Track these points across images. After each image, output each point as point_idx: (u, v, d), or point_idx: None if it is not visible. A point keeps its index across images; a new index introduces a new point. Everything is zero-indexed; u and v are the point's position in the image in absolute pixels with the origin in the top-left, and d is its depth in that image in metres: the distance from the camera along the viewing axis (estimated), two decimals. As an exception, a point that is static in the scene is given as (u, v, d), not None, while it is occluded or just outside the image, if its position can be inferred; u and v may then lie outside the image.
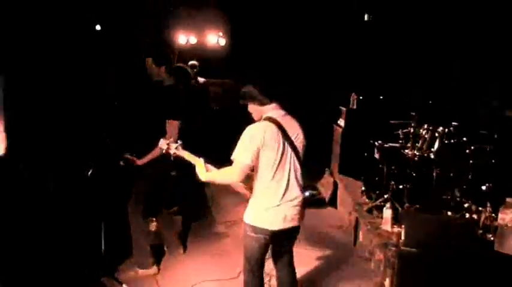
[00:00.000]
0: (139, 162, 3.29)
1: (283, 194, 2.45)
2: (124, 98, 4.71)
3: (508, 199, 2.06)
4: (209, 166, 2.53)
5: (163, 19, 7.22)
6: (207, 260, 3.65)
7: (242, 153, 2.35)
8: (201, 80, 6.66)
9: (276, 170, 2.42)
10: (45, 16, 3.90)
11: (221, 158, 2.61)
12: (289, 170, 2.46)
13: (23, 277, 2.90)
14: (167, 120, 3.25)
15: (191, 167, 2.55)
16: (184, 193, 4.33)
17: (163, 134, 3.23)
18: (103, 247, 3.26)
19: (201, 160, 2.51)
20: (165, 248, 3.76)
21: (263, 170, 2.42)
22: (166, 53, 3.64)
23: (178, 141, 2.62)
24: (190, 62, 6.52)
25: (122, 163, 3.33)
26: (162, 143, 2.62)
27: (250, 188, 2.53)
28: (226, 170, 2.45)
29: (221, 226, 4.50)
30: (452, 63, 5.74)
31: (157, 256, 3.62)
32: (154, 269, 3.47)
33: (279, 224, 2.44)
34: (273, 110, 2.50)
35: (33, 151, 3.61)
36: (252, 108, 2.57)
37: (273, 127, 2.42)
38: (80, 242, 3.48)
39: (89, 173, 3.23)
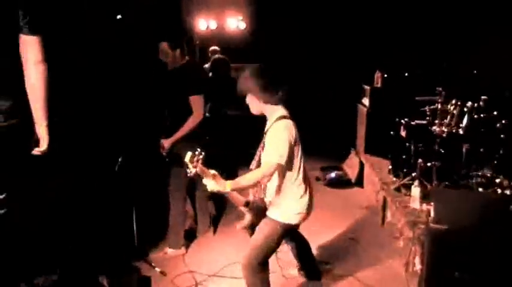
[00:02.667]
0: (166, 143, 3.35)
1: (307, 189, 2.56)
2: (143, 84, 4.77)
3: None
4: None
5: (182, 2, 7.18)
6: (236, 242, 3.70)
7: (276, 153, 2.37)
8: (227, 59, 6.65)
9: (299, 167, 2.51)
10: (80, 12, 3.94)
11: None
12: (304, 167, 2.56)
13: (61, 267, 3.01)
14: (190, 97, 3.28)
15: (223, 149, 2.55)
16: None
17: (189, 113, 3.28)
18: (135, 231, 3.36)
19: (215, 173, 2.38)
20: (196, 230, 3.85)
21: (291, 168, 2.48)
22: (182, 36, 3.61)
23: (202, 152, 2.39)
24: (212, 48, 6.54)
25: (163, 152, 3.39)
26: (188, 157, 2.35)
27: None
28: (256, 172, 2.45)
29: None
30: (478, 34, 5.51)
31: (189, 238, 3.72)
32: (183, 249, 3.57)
33: (304, 217, 2.57)
34: (281, 109, 2.53)
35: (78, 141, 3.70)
36: (253, 102, 2.53)
37: (293, 125, 2.49)
38: (112, 228, 3.59)
39: (120, 160, 3.30)
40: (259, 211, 2.65)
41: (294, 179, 2.51)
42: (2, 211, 2.26)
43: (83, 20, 3.90)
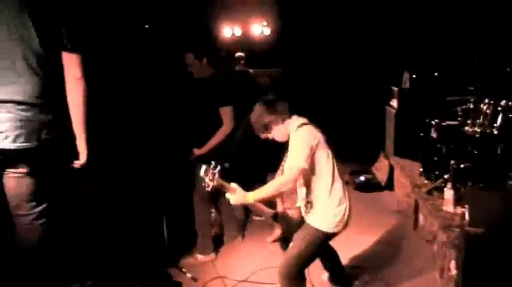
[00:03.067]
0: (198, 152, 3.40)
1: (345, 196, 2.51)
2: (172, 93, 4.86)
3: None
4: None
5: (207, 10, 7.27)
6: (264, 248, 3.70)
7: (299, 157, 2.35)
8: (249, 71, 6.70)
9: (332, 172, 2.47)
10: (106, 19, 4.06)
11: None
12: (338, 173, 2.52)
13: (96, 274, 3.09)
14: (220, 109, 3.31)
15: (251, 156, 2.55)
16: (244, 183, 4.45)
17: (220, 124, 3.31)
18: (166, 238, 3.42)
19: (236, 185, 2.38)
20: (224, 236, 3.87)
21: (323, 173, 2.45)
22: (208, 45, 3.65)
23: (222, 165, 2.39)
24: (237, 54, 6.59)
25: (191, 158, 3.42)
26: (203, 170, 2.33)
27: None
28: (279, 179, 2.44)
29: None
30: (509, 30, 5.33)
31: (217, 244, 3.74)
32: (213, 255, 3.60)
33: (344, 225, 2.53)
34: (298, 118, 2.53)
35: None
36: (276, 131, 2.52)
37: (315, 129, 2.48)
38: (144, 235, 3.65)
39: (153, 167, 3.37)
40: (290, 222, 2.63)
41: (329, 185, 2.47)
42: (43, 221, 2.34)
43: (109, 32, 4.02)
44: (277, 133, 2.54)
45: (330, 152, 2.51)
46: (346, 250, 3.48)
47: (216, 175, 2.30)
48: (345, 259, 3.21)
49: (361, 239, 3.83)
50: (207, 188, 2.31)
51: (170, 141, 4.16)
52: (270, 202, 2.65)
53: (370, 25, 7.66)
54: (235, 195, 2.34)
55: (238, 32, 7.82)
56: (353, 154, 6.08)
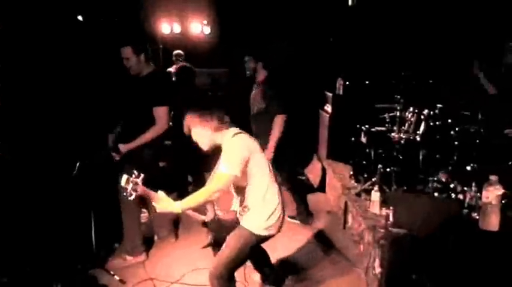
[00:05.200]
0: (123, 148, 3.24)
1: (279, 200, 2.55)
2: (105, 90, 4.65)
3: (491, 177, 2.09)
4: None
5: (144, 4, 7.01)
6: (197, 249, 3.65)
7: (231, 165, 2.34)
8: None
9: (267, 177, 2.50)
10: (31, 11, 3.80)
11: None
12: (273, 178, 2.55)
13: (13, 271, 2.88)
14: (154, 108, 3.21)
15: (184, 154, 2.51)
16: (177, 182, 4.36)
17: (152, 123, 3.20)
18: (93, 239, 3.25)
19: (162, 193, 2.33)
20: (156, 237, 3.77)
21: (258, 179, 2.47)
22: (146, 41, 3.52)
23: (140, 174, 2.31)
24: (175, 52, 6.46)
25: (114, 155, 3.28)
26: (125, 180, 2.26)
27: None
28: (208, 187, 2.40)
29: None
30: (434, 45, 5.75)
31: (147, 244, 3.63)
32: (143, 256, 3.49)
33: (278, 228, 2.56)
34: (232, 128, 2.54)
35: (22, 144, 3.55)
36: (203, 137, 2.49)
37: (249, 137, 2.52)
38: (70, 236, 3.46)
39: (77, 165, 3.19)
40: (222, 227, 2.61)
41: (263, 190, 2.49)
42: None
43: (42, 22, 3.77)
44: (200, 137, 2.50)
45: (264, 158, 2.54)
46: (278, 250, 3.54)
47: (139, 184, 2.23)
48: (275, 258, 3.26)
49: (293, 239, 3.91)
50: (129, 198, 2.23)
51: (98, 137, 3.98)
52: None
53: (306, 31, 7.86)
54: (161, 204, 2.29)
55: (177, 29, 7.64)
56: (288, 156, 6.19)
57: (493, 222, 1.99)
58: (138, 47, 3.22)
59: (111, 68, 3.84)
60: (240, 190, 2.53)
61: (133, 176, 2.24)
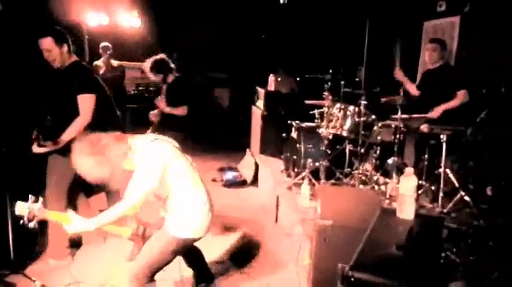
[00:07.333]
0: (51, 146, 3.02)
1: (207, 201, 2.46)
2: (26, 80, 4.33)
3: (406, 169, 2.26)
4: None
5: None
6: (128, 249, 3.54)
7: (146, 178, 2.22)
8: (115, 63, 6.36)
9: (191, 180, 2.42)
10: None
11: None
12: (200, 179, 2.48)
13: None
14: (78, 97, 3.04)
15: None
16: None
17: (76, 113, 3.03)
18: (11, 242, 3.03)
19: (72, 213, 2.17)
20: (82, 238, 3.60)
21: (182, 183, 2.38)
22: (65, 32, 3.29)
23: (39, 198, 2.15)
24: (102, 44, 6.19)
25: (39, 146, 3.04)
26: (20, 208, 2.07)
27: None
28: (122, 203, 2.22)
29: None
30: (363, 44, 6.05)
31: (73, 246, 3.45)
32: (68, 260, 3.31)
33: (206, 230, 2.47)
34: (143, 136, 2.43)
35: None
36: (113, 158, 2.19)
37: (167, 142, 2.43)
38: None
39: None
40: (147, 238, 2.52)
41: (189, 193, 2.40)
42: None
43: None
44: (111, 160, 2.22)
45: (188, 161, 2.47)
46: (211, 245, 3.54)
47: (39, 209, 2.07)
48: (208, 255, 3.25)
49: (226, 233, 3.93)
50: (28, 226, 2.07)
51: (21, 133, 3.70)
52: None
53: (241, 26, 7.91)
54: (73, 224, 2.14)
55: (105, 20, 7.28)
56: (221, 151, 6.21)
57: (408, 210, 2.15)
58: (59, 37, 3.04)
59: (28, 63, 3.57)
60: (164, 196, 2.43)
61: (30, 201, 2.06)
